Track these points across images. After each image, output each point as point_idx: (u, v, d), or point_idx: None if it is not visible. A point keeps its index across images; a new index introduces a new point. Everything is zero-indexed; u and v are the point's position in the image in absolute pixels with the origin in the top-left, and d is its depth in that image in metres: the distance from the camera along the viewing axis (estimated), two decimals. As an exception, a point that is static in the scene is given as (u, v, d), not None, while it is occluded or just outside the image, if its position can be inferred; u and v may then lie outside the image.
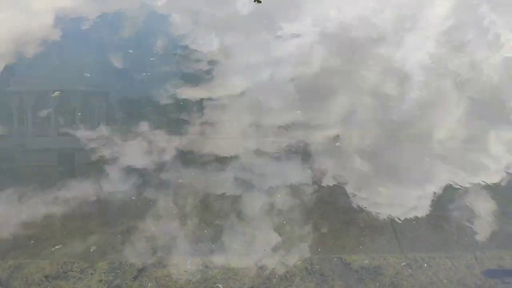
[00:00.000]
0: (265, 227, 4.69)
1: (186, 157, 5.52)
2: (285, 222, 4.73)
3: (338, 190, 5.16)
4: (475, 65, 7.48)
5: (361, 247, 4.56)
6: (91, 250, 4.38)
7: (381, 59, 7.54)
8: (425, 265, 4.36)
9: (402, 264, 4.36)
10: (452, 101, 6.66)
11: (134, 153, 5.54)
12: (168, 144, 5.69)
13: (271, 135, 5.90)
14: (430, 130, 6.10)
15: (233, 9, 9.20)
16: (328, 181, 5.28)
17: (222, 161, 5.44)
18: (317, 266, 4.32)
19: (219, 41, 7.93)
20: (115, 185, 5.11)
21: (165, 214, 4.76)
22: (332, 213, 4.90)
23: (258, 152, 5.62)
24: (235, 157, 5.51)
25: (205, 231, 4.61)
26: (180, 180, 5.17)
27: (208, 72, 7.08)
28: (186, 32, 8.17)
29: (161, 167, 5.35)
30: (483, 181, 5.29)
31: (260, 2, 9.45)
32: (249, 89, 6.73)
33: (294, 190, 5.13)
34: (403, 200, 5.12)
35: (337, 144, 5.76)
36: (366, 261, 4.38)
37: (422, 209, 4.98)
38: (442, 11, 9.38)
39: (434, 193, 5.16)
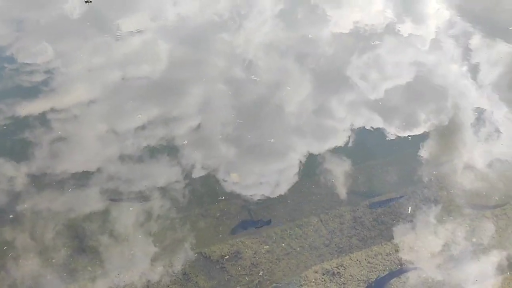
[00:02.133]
0: (123, 238, 4.57)
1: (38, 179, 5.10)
2: (146, 229, 4.67)
3: (193, 183, 5.21)
4: (310, 41, 8.02)
5: (220, 236, 4.70)
6: None
7: (225, 46, 7.71)
8: (279, 238, 4.66)
9: (259, 243, 4.61)
10: (296, 75, 7.10)
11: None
12: (17, 171, 5.18)
13: (130, 137, 5.71)
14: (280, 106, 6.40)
15: (63, 12, 8.55)
16: (188, 175, 5.30)
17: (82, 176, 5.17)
18: (179, 267, 4.35)
19: (54, 48, 7.30)
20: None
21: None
22: (187, 209, 4.94)
23: (121, 158, 5.43)
24: (98, 170, 5.27)
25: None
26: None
27: (46, 83, 6.48)
28: (14, 43, 7.41)
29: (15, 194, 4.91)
30: (326, 148, 5.76)
31: (91, 1, 8.91)
32: (98, 94, 6.37)
33: (159, 190, 5.08)
34: (255, 180, 5.36)
35: (184, 142, 5.76)
36: (225, 250, 4.53)
37: (272, 186, 5.28)
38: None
39: (282, 168, 5.50)
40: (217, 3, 9.21)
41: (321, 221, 4.86)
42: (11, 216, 4.68)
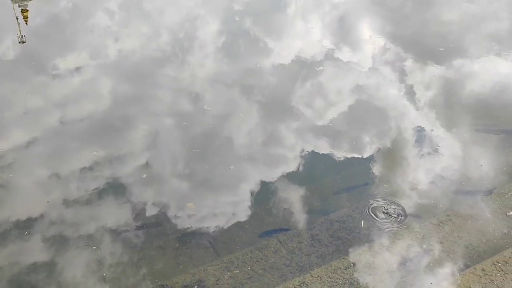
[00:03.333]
0: (83, 275, 4.41)
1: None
2: (103, 265, 4.54)
3: (149, 216, 5.16)
4: (254, 73, 8.27)
5: (180, 266, 4.65)
6: None
7: (165, 79, 7.78)
8: (241, 263, 4.69)
9: (221, 269, 4.61)
10: (243, 107, 7.26)
11: None
12: None
13: (74, 180, 5.57)
14: (230, 137, 6.51)
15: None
16: (139, 210, 5.25)
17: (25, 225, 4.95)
18: (141, 302, 4.25)
19: None
20: None
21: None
22: (145, 242, 4.87)
23: (66, 203, 5.26)
24: (39, 218, 5.05)
25: None
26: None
27: None
28: None
29: None
30: (283, 172, 5.91)
31: (25, 42, 8.78)
32: (37, 137, 6.22)
33: (109, 230, 4.95)
34: (212, 209, 5.39)
35: (144, 176, 5.73)
36: (188, 279, 4.49)
37: (229, 213, 5.32)
38: (211, 29, 10.16)
39: (238, 194, 5.58)
40: (158, 38, 9.36)
41: (280, 242, 4.94)
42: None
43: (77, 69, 7.93)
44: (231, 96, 7.48)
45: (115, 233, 4.94)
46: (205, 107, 7.07)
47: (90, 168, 5.77)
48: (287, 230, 5.05)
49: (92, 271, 4.51)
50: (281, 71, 8.29)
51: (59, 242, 4.79)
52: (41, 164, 5.80)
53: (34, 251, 4.69)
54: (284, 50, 9.14)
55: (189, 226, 5.10)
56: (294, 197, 5.56)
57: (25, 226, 4.95)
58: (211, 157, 6.10)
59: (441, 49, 9.27)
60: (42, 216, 5.07)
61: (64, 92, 7.32)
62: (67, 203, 5.28)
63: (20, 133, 6.30)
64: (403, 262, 4.68)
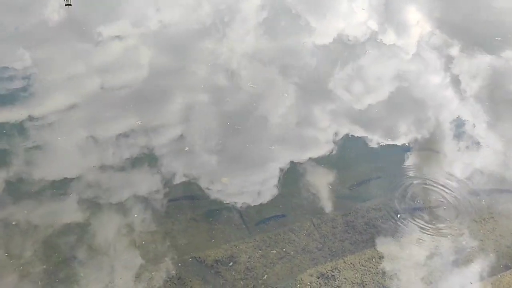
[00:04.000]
0: (109, 248, 4.48)
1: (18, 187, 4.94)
2: (137, 235, 4.60)
3: (184, 188, 5.17)
4: (293, 52, 8.11)
5: (213, 241, 4.66)
6: None
7: (208, 54, 7.70)
8: (273, 242, 4.66)
9: (253, 248, 4.59)
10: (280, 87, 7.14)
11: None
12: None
13: (110, 146, 5.61)
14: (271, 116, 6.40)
15: (42, 17, 8.41)
16: (176, 181, 5.26)
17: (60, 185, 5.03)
18: (173, 272, 4.29)
19: (31, 54, 7.16)
20: None
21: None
22: (179, 213, 4.89)
23: (102, 167, 5.31)
24: (74, 180, 5.12)
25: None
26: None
27: (24, 90, 6.35)
28: None
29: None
30: (314, 156, 5.81)
31: (70, 5, 8.81)
32: (77, 102, 6.24)
33: (143, 199, 4.99)
34: (247, 186, 5.36)
35: (186, 149, 5.73)
36: (220, 254, 4.50)
37: (264, 191, 5.28)
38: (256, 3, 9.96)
39: (274, 174, 5.51)
40: (200, 10, 9.23)
41: (314, 225, 4.88)
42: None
43: (119, 36, 7.92)
44: (274, 75, 7.35)
45: (149, 201, 4.98)
46: (248, 84, 6.97)
47: (128, 136, 5.79)
48: (282, 216, 4.94)
49: (124, 236, 4.57)
50: (323, 51, 8.09)
51: (92, 205, 4.84)
52: (80, 128, 5.85)
53: (68, 212, 4.76)
54: (329, 30, 8.90)
55: (222, 201, 5.08)
56: (329, 181, 5.46)
57: (61, 187, 5.01)
58: (252, 134, 6.04)
59: (499, 39, 8.79)
60: (78, 178, 5.13)
61: (105, 59, 7.32)
62: (103, 168, 5.33)
63: (62, 96, 6.34)
64: (441, 258, 4.56)
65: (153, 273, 4.26)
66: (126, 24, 8.45)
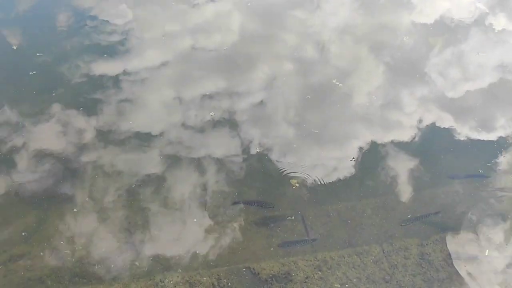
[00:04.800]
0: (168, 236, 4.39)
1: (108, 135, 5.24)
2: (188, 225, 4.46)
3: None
4: (388, 30, 7.33)
5: (271, 249, 4.37)
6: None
7: (299, 24, 7.21)
8: (335, 264, 4.27)
9: (313, 267, 4.24)
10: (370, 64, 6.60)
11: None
12: (87, 124, 5.38)
13: (193, 106, 5.70)
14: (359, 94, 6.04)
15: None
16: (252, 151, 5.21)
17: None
18: (225, 280, 4.09)
19: (131, 11, 7.15)
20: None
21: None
22: (239, 214, 4.63)
23: (183, 125, 5.45)
24: (158, 135, 5.30)
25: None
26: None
27: (121, 44, 6.51)
28: (94, 3, 7.30)
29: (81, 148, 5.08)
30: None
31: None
32: (169, 60, 6.31)
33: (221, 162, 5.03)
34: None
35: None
36: (276, 268, 4.20)
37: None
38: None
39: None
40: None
41: (383, 251, 4.39)
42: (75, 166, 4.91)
43: (214, 0, 7.64)
44: (363, 51, 6.83)
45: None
46: (334, 60, 6.59)
47: (212, 97, 5.83)
48: (314, 240, 4.43)
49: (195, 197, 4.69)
50: (421, 31, 7.23)
51: (171, 160, 5.03)
52: (168, 85, 5.98)
53: (149, 164, 4.98)
54: (432, 9, 7.90)
55: (287, 204, 4.74)
56: (408, 196, 4.89)
57: (146, 139, 5.25)
58: (333, 112, 5.81)
59: None
60: (161, 134, 5.31)
61: (199, 21, 7.19)
62: (185, 126, 5.45)
63: (156, 53, 6.42)
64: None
65: (203, 278, 4.08)
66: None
